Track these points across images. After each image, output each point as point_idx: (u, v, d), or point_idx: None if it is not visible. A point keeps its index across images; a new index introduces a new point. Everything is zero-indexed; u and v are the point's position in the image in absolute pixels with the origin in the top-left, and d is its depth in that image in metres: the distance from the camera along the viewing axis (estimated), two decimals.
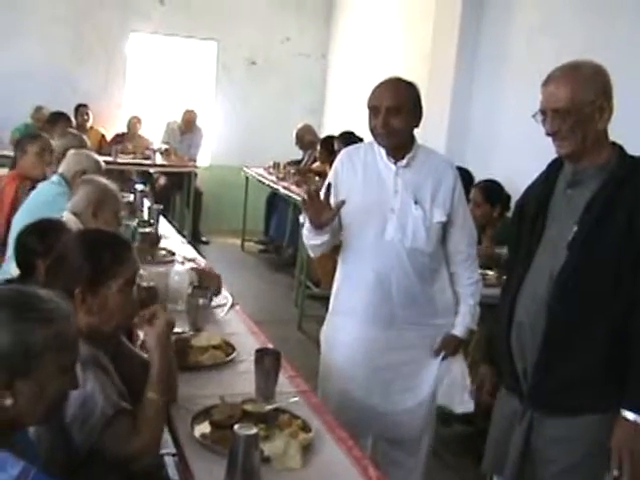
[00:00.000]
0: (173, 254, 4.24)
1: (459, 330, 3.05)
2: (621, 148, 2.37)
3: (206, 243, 8.96)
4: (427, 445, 3.17)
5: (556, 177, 2.44)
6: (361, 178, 2.96)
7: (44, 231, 2.86)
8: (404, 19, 8.10)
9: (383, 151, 2.93)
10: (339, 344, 3.05)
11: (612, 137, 2.38)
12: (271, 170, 8.34)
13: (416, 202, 2.88)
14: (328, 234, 2.89)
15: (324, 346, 3.16)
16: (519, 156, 5.89)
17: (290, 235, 8.03)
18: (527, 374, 2.42)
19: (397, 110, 2.81)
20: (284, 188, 7.67)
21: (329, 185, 2.83)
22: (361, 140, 5.71)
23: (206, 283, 2.61)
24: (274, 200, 8.76)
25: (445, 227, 2.96)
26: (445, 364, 3.07)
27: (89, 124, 8.91)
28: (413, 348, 3.00)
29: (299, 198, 7.14)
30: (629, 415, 2.22)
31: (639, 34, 4.90)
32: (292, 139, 8.75)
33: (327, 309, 3.19)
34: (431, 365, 3.06)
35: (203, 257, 4.54)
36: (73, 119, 8.65)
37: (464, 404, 3.12)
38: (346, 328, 3.03)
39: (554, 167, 2.47)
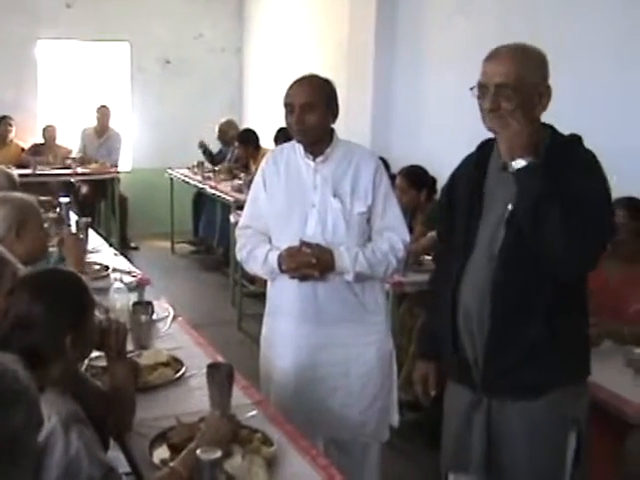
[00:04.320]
0: (107, 268, 4.14)
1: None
2: (552, 128, 2.35)
3: (135, 249, 8.77)
4: (377, 457, 3.12)
5: (487, 160, 2.41)
6: (284, 178, 3.00)
7: None
8: (319, 7, 8.07)
9: (302, 149, 2.96)
10: (275, 344, 3.06)
11: None
12: (195, 170, 8.21)
13: (335, 195, 2.91)
14: None
15: (263, 347, 3.16)
16: (442, 139, 5.94)
17: (220, 234, 7.94)
18: (478, 362, 2.38)
19: (311, 106, 2.85)
20: (210, 187, 7.58)
21: (257, 184, 3.03)
22: None
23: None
24: (200, 200, 8.65)
25: (369, 218, 2.95)
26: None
27: (11, 136, 8.66)
28: (344, 346, 2.98)
29: (226, 197, 7.08)
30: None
31: (555, 15, 4.97)
32: (214, 136, 8.66)
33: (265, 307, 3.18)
34: (371, 368, 3.02)
35: (133, 264, 4.45)
36: None
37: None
38: (279, 327, 3.04)
39: (485, 149, 2.44)
